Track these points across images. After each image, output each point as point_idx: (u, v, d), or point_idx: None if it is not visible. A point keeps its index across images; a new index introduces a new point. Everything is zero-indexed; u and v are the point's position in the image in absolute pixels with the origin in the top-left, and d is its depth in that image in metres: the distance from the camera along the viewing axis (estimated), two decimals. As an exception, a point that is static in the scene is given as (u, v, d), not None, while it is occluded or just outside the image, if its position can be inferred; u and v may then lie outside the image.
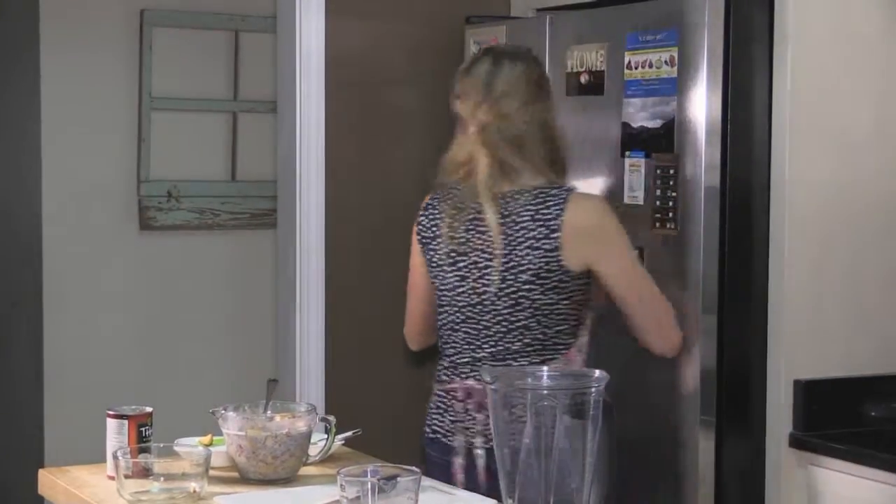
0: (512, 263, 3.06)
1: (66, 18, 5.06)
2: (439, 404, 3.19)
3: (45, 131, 5.05)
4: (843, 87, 3.40)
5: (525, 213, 3.05)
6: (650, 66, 3.40)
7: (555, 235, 3.02)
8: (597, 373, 2.42)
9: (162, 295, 5.28)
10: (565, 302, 3.07)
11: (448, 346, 3.19)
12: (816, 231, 3.37)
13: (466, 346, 3.13)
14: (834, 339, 3.40)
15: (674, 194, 3.33)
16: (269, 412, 2.72)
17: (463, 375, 3.13)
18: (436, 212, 3.19)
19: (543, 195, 3.06)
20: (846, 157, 3.41)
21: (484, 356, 3.10)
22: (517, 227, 3.05)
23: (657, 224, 3.38)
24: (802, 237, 3.35)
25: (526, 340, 3.07)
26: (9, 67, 5.04)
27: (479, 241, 3.10)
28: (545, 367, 2.54)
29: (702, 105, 3.29)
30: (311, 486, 2.64)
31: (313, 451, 2.75)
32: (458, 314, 3.14)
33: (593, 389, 2.38)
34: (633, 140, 3.45)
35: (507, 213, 3.06)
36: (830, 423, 3.35)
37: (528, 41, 3.93)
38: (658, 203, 3.38)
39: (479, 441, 3.06)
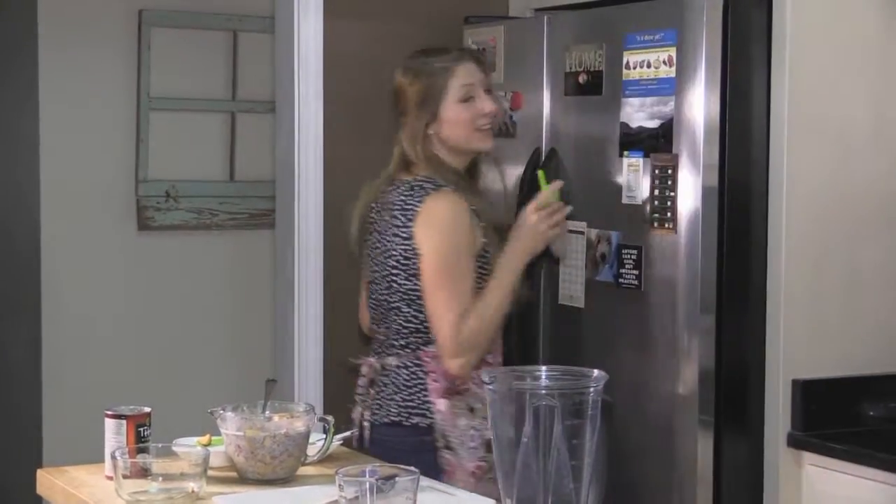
0: (381, 249, 3.30)
1: (65, 18, 5.06)
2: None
3: (43, 131, 5.05)
4: (842, 88, 3.40)
5: (397, 203, 3.28)
6: (648, 66, 3.40)
7: (411, 224, 3.23)
8: (595, 373, 2.42)
9: (160, 295, 5.28)
10: None
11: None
12: (815, 231, 3.37)
13: (374, 326, 3.40)
14: (832, 339, 3.40)
15: (672, 194, 3.34)
16: (267, 412, 2.72)
17: (371, 353, 3.39)
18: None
19: (417, 186, 3.27)
20: (844, 158, 3.41)
21: (380, 337, 3.37)
22: (388, 216, 3.29)
23: (655, 224, 3.38)
24: (801, 237, 3.35)
25: (401, 321, 3.28)
26: (7, 67, 5.04)
27: (372, 230, 3.38)
28: (544, 367, 2.54)
29: (700, 105, 3.29)
30: (310, 486, 2.64)
31: (311, 451, 2.75)
32: (369, 298, 3.41)
33: (592, 389, 2.38)
34: (632, 140, 3.45)
35: (384, 202, 3.32)
36: (828, 423, 3.35)
37: (526, 41, 3.94)
38: (656, 203, 3.38)
39: (367, 415, 3.31)
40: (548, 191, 3.30)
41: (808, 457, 3.31)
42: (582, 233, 3.60)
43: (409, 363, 3.28)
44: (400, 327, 3.29)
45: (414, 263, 3.24)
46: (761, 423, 3.38)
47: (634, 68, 3.44)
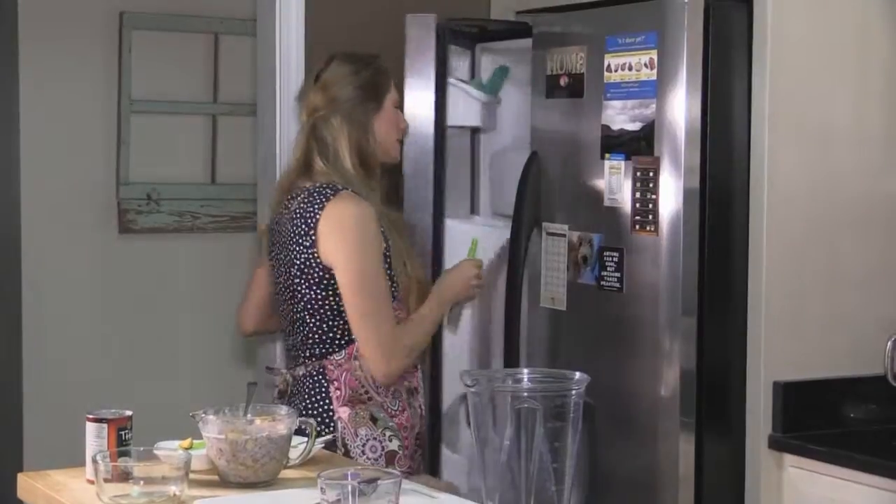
0: (283, 259, 3.27)
1: (45, 21, 5.05)
2: None
3: (24, 134, 5.04)
4: (822, 90, 3.41)
5: (298, 210, 3.23)
6: (630, 68, 3.40)
7: (313, 232, 3.19)
8: (577, 375, 2.43)
9: (141, 298, 5.28)
10: (335, 298, 3.21)
11: None
12: (796, 233, 3.38)
13: (284, 338, 3.43)
14: (813, 340, 3.41)
15: (654, 197, 3.34)
16: (249, 415, 2.72)
17: (285, 365, 3.45)
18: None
19: (317, 193, 3.23)
20: (825, 159, 3.42)
21: (288, 346, 3.38)
22: (290, 225, 3.24)
23: (637, 226, 3.38)
24: (782, 239, 3.36)
25: (305, 332, 3.26)
26: (-13, 70, 5.03)
27: (273, 240, 3.36)
28: (525, 370, 2.54)
29: (681, 107, 3.29)
30: (292, 489, 2.64)
31: (293, 454, 2.75)
32: (278, 308, 3.40)
33: (574, 392, 2.38)
34: (613, 142, 3.45)
35: (286, 210, 3.28)
36: (809, 425, 3.36)
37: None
38: (638, 205, 3.38)
39: None
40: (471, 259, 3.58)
41: (790, 458, 3.31)
42: (563, 235, 3.60)
43: (313, 372, 3.27)
44: (305, 337, 3.27)
45: (316, 273, 3.21)
46: (742, 424, 3.38)
47: (616, 71, 3.44)
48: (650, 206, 3.35)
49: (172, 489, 2.51)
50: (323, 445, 2.96)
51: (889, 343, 3.36)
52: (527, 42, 3.79)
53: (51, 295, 5.09)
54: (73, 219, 5.14)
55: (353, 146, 3.33)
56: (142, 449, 2.64)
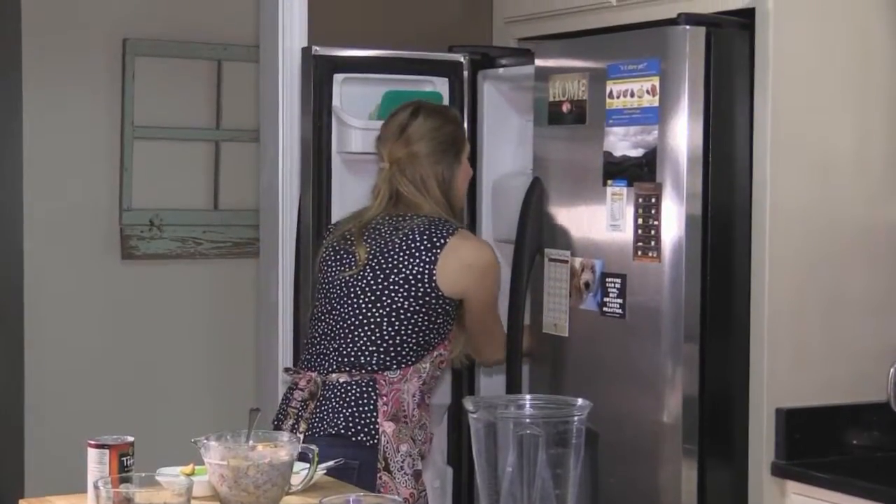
0: (379, 265, 3.38)
1: (49, 47, 5.07)
2: None
3: (27, 160, 5.04)
4: (824, 116, 3.41)
5: (416, 230, 3.39)
6: (632, 95, 3.41)
7: (437, 252, 3.37)
8: (579, 401, 2.42)
9: (144, 324, 5.27)
10: (424, 316, 3.37)
11: None
12: (798, 259, 3.38)
13: (324, 341, 3.45)
14: (816, 367, 3.40)
15: (656, 223, 3.34)
16: (251, 441, 2.71)
17: (308, 367, 3.46)
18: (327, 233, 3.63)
19: (441, 221, 3.41)
20: (827, 186, 3.42)
21: (325, 350, 3.42)
22: (401, 237, 3.39)
23: (639, 252, 3.38)
24: (784, 265, 3.36)
25: (366, 341, 3.37)
26: (-10, 96, 5.04)
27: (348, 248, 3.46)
28: (528, 396, 2.54)
29: (683, 134, 3.30)
30: (294, 515, 2.63)
31: (295, 480, 2.74)
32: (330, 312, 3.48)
33: (576, 418, 2.38)
34: (616, 169, 3.45)
35: (387, 227, 3.44)
36: (812, 452, 3.35)
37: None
38: (640, 232, 3.38)
39: (302, 427, 3.35)
40: None
41: (792, 485, 3.31)
42: (565, 261, 3.60)
43: (361, 382, 3.32)
44: (362, 348, 3.35)
45: (418, 288, 3.34)
46: (745, 451, 3.38)
47: (618, 97, 3.45)
48: (652, 232, 3.35)
49: (174, 515, 2.50)
50: (325, 471, 2.96)
51: (892, 370, 3.36)
52: (529, 69, 3.80)
53: (53, 321, 5.09)
54: (75, 245, 5.15)
55: (440, 195, 3.50)
56: (143, 475, 2.63)
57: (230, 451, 2.65)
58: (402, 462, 3.28)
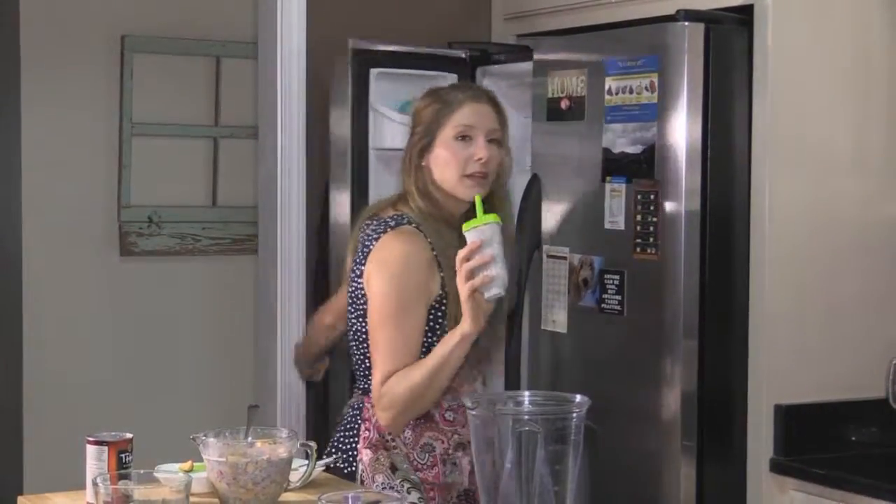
0: (348, 287, 3.18)
1: (47, 44, 5.06)
2: None
3: (25, 157, 5.04)
4: (823, 112, 3.41)
5: (360, 240, 3.13)
6: (630, 91, 3.41)
7: (364, 262, 3.08)
8: (578, 398, 2.42)
9: (142, 321, 5.27)
10: None
11: None
12: (797, 256, 3.38)
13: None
14: (815, 363, 3.41)
15: (654, 220, 3.34)
16: (249, 438, 2.71)
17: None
18: None
19: (381, 223, 3.10)
20: (826, 182, 3.42)
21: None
22: (353, 254, 3.14)
23: (638, 249, 3.38)
24: (782, 262, 3.36)
25: (353, 363, 3.15)
26: (-11, 93, 5.04)
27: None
28: (527, 393, 2.54)
29: (682, 130, 3.30)
30: (292, 512, 2.63)
31: (294, 477, 2.74)
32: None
33: (575, 415, 2.38)
34: (614, 166, 3.45)
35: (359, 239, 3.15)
36: (811, 448, 3.35)
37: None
38: (639, 228, 3.38)
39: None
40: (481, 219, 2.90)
41: (791, 482, 3.31)
42: (564, 258, 3.60)
43: (353, 405, 3.16)
44: (355, 368, 3.17)
45: (362, 304, 3.07)
46: (744, 448, 3.38)
47: (616, 94, 3.45)
48: (651, 228, 3.35)
49: (173, 512, 2.50)
50: (324, 468, 2.96)
51: (890, 366, 3.36)
52: (528, 65, 3.80)
53: (52, 318, 5.08)
54: (74, 242, 5.14)
55: (421, 179, 3.11)
56: (142, 472, 2.63)
57: (229, 448, 2.65)
58: None
